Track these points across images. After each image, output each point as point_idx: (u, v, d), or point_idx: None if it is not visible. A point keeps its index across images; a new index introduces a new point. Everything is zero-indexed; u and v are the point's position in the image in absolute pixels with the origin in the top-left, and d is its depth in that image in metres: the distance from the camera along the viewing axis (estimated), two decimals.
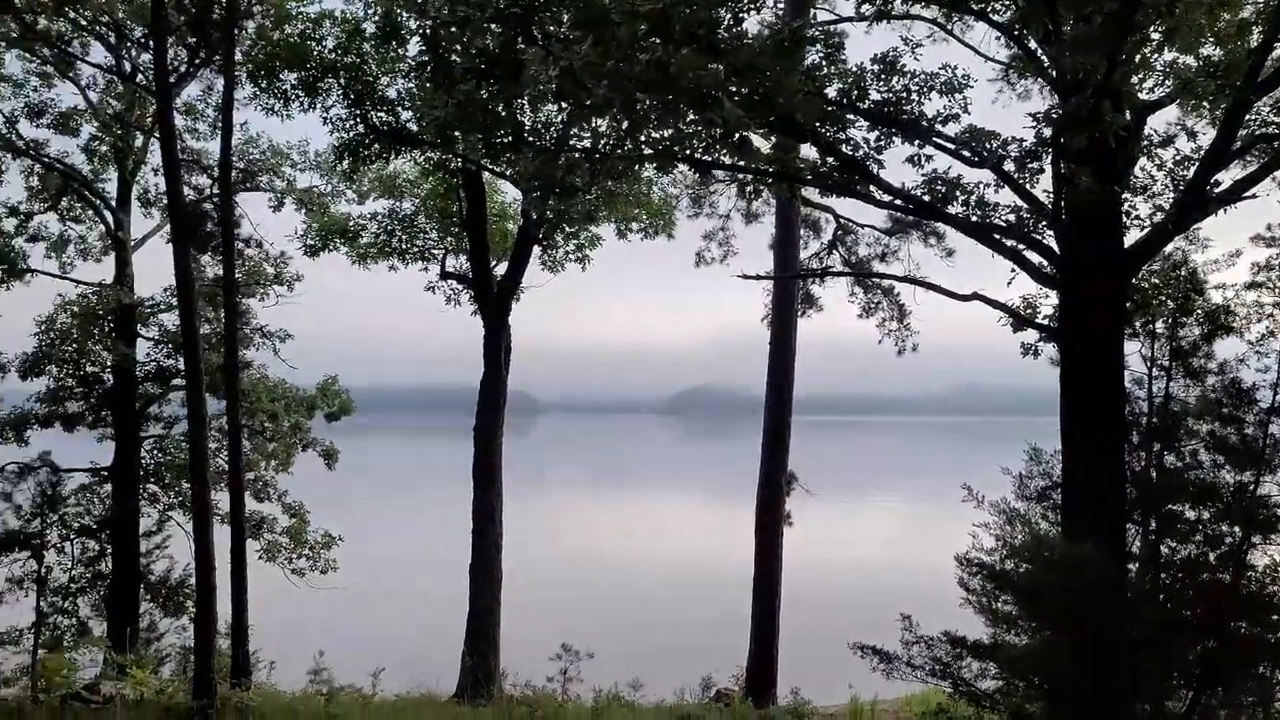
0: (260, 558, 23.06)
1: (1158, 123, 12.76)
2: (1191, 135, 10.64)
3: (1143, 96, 9.54)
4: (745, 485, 20.39)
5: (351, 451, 27.17)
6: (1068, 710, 8.19)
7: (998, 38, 11.00)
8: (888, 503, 76.90)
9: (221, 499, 21.48)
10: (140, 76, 21.80)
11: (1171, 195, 9.80)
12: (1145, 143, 9.86)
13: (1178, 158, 9.89)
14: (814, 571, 35.65)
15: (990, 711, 9.37)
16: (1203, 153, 9.53)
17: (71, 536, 23.10)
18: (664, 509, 73.86)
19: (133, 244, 24.02)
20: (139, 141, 23.83)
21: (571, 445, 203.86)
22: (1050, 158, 9.43)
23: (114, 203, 23.93)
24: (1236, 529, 9.33)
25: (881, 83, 9.29)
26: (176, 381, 23.09)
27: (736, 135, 8.10)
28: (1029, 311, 10.93)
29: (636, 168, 10.50)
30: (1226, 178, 9.87)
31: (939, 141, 9.41)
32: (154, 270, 24.21)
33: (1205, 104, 10.90)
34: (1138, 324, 10.29)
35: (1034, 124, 9.21)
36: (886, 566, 42.09)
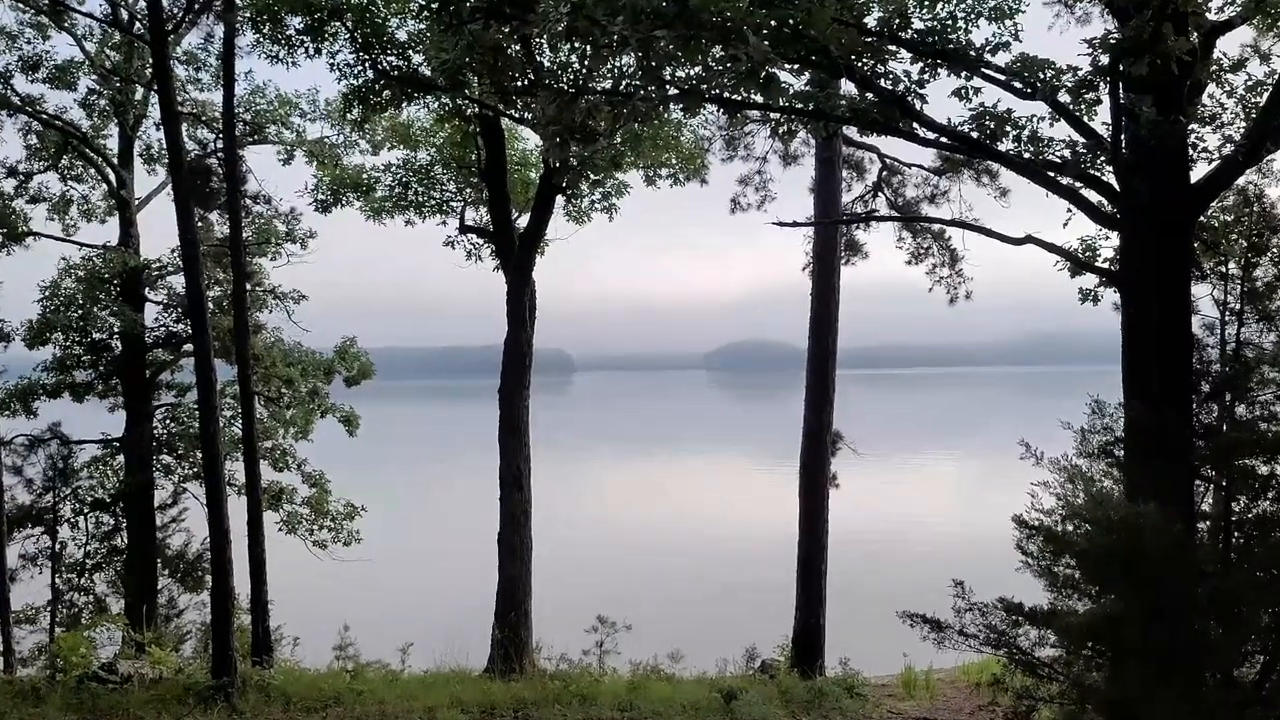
0: (280, 530, 23.42)
1: (1228, 45, 12.43)
2: (1265, 58, 10.35)
3: (1210, 17, 9.25)
4: (788, 445, 20.39)
5: (373, 417, 27.45)
6: (1130, 679, 8.14)
7: None
8: (941, 461, 76.77)
9: (237, 469, 21.82)
10: (138, 25, 21.83)
11: (1243, 125, 9.56)
12: (1213, 68, 9.60)
13: (1249, 83, 9.64)
14: (862, 536, 35.74)
15: (1048, 681, 9.34)
16: (1277, 77, 9.28)
17: (85, 511, 23.52)
18: (703, 470, 74.22)
19: (137, 203, 24.22)
20: (139, 95, 23.94)
21: (606, 404, 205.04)
22: (1109, 87, 9.20)
23: (116, 160, 24.10)
24: None
25: (925, 9, 9.09)
26: (187, 347, 23.36)
27: (764, 73, 7.94)
28: (1087, 255, 10.75)
29: (662, 109, 10.35)
30: None
31: (988, 73, 9.20)
32: (160, 230, 24.48)
33: None
34: (1206, 265, 10.08)
35: (1090, 50, 8.98)
36: (939, 530, 42.18)
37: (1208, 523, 9.59)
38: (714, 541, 41.86)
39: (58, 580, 22.79)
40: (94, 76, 23.52)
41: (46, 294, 23.18)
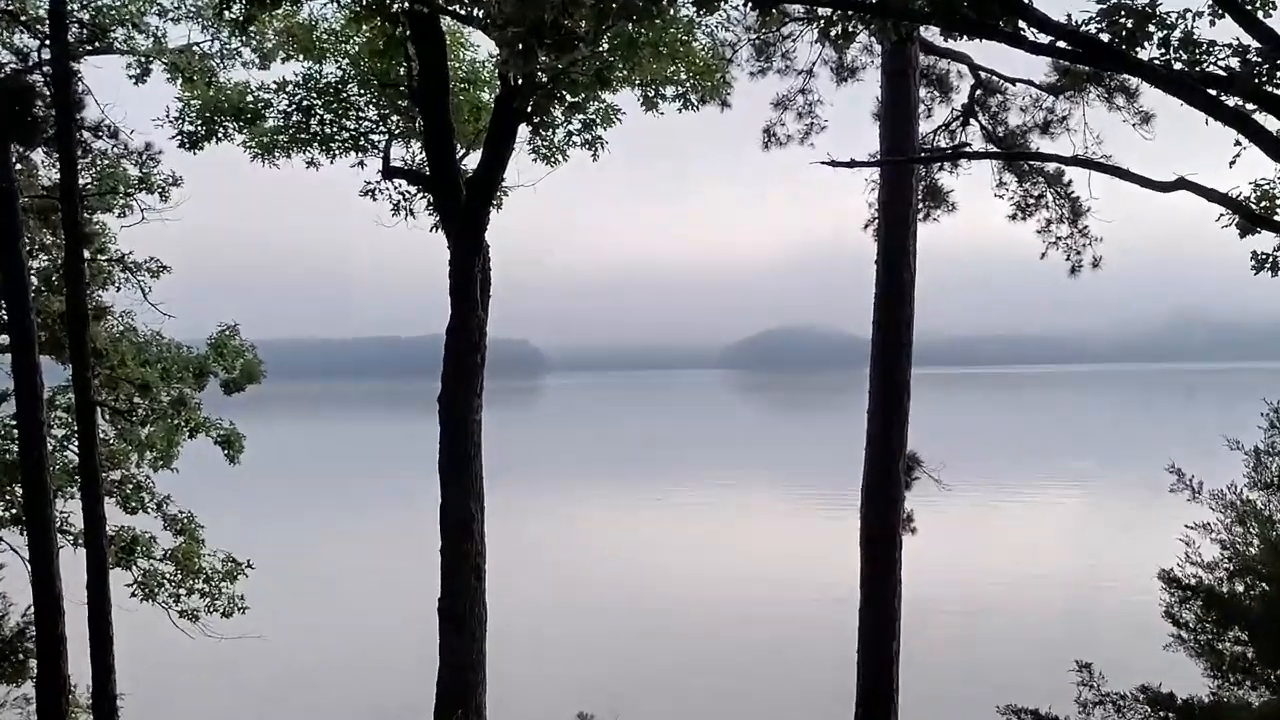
0: (135, 595, 23.27)
1: None
2: None
3: None
4: (843, 474, 20.33)
5: (264, 436, 27.36)
6: None
7: None
8: (1052, 495, 76.76)
9: (73, 510, 21.65)
10: None
11: None
12: None
13: None
14: (945, 596, 35.73)
15: None
16: None
17: None
18: (720, 509, 74.22)
19: None
20: None
21: (588, 417, 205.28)
22: None
23: None
24: None
25: None
26: (2, 340, 23.20)
27: None
28: (1264, 206, 10.66)
29: (665, 3, 10.23)
30: None
31: None
32: None
33: None
34: None
35: None
36: (1049, 588, 42.15)
37: None
38: (736, 607, 41.82)
39: None
40: None
41: None
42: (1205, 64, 9.62)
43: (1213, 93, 9.68)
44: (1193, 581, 9.42)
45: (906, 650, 19.27)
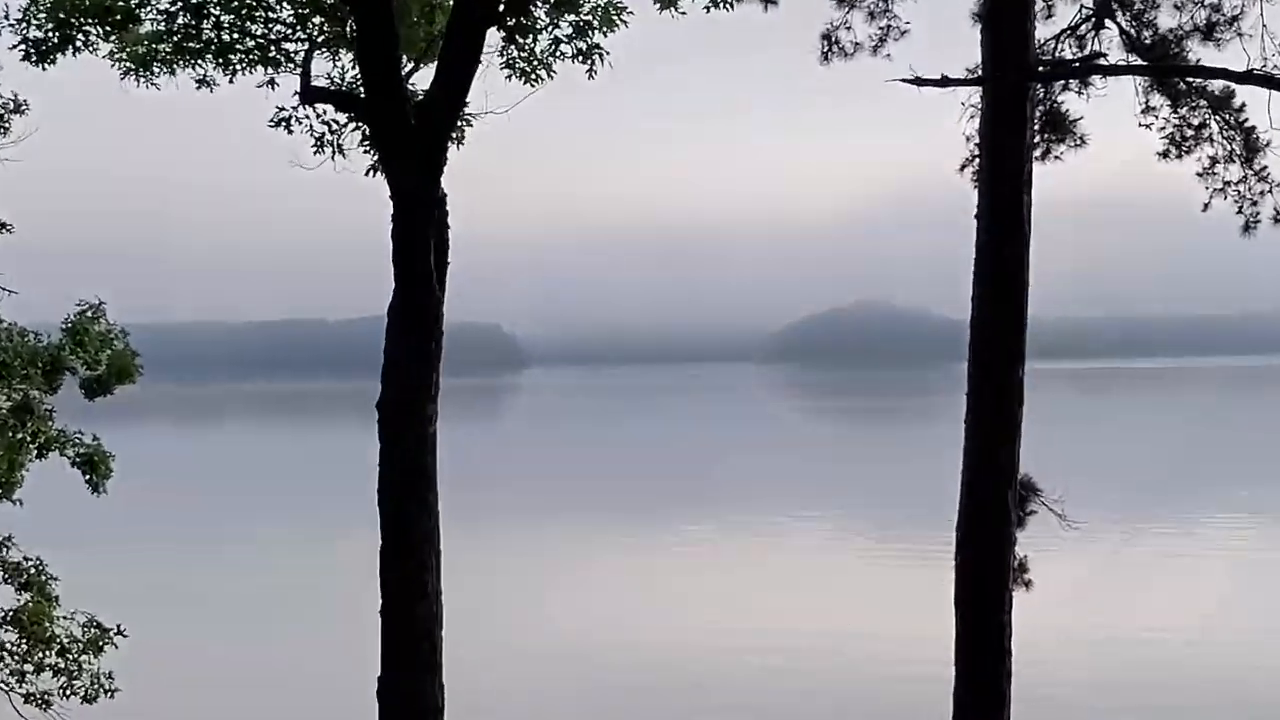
0: None
1: None
2: None
3: None
4: (933, 504, 20.29)
5: (142, 453, 27.37)
6: None
7: None
8: (1216, 534, 76.77)
9: None
10: None
11: None
12: None
13: None
14: (1066, 669, 35.74)
15: None
16: None
17: None
18: (753, 560, 74.15)
19: None
20: None
21: (578, 425, 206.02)
22: None
23: None
24: None
25: None
26: None
27: None
28: None
29: None
30: None
31: None
32: None
33: None
34: None
35: None
36: (1209, 659, 42.14)
37: None
38: (779, 692, 41.91)
39: None
40: None
41: None
42: None
43: None
44: None
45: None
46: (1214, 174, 19.36)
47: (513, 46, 20.26)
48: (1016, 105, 18.87)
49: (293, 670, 40.93)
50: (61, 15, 20.65)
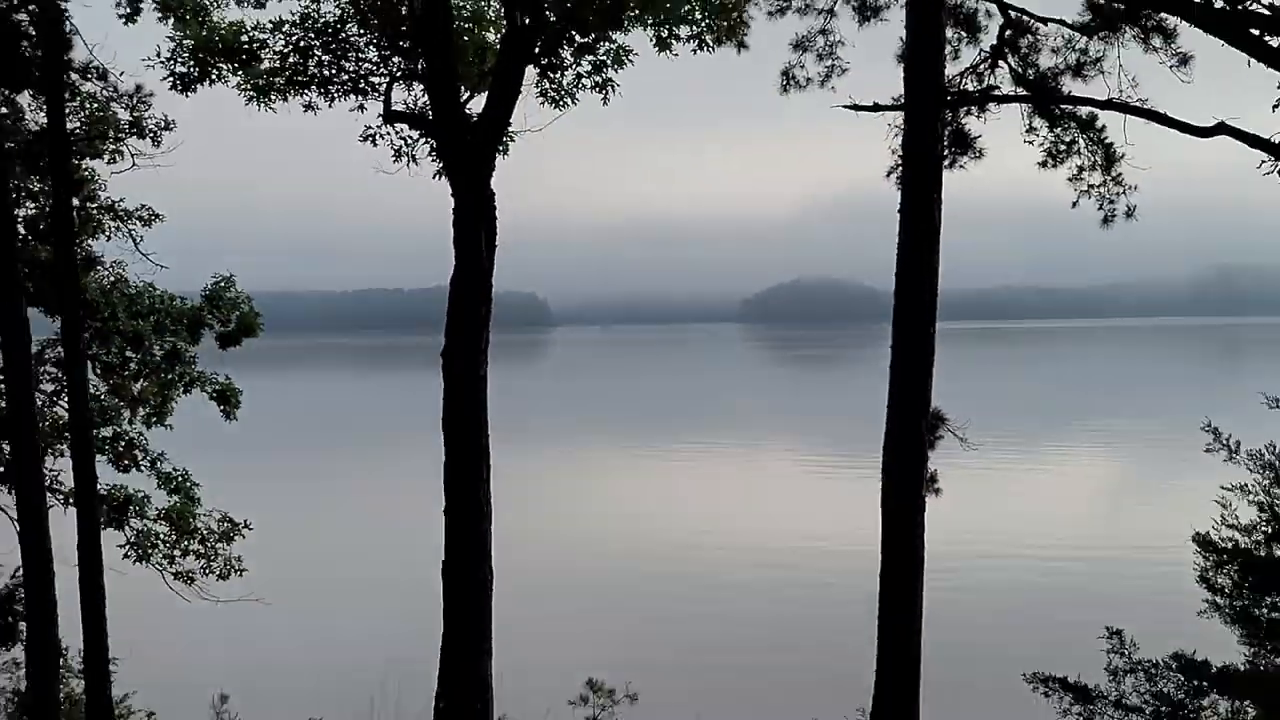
0: (128, 557, 23.41)
1: None
2: None
3: None
4: (864, 433, 20.31)
5: (263, 390, 27.44)
6: None
7: None
8: (1083, 454, 76.84)
9: (63, 468, 21.74)
10: None
11: None
12: None
13: None
14: (971, 561, 35.81)
15: None
16: None
17: None
18: (738, 466, 74.36)
19: None
20: None
21: (596, 371, 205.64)
22: None
23: None
24: None
25: None
26: None
27: None
28: None
29: None
30: None
31: None
32: None
33: None
34: None
35: None
36: (1079, 553, 42.21)
37: None
38: (751, 571, 41.95)
39: None
40: None
41: None
42: (1248, 2, 9.54)
43: (1256, 32, 9.62)
44: (1229, 545, 9.40)
45: (929, 615, 19.28)
46: (1080, 179, 19.35)
47: (545, 80, 20.25)
48: (930, 126, 18.89)
49: (375, 551, 41.02)
50: (200, 55, 20.66)
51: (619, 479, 71.95)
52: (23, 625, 18.59)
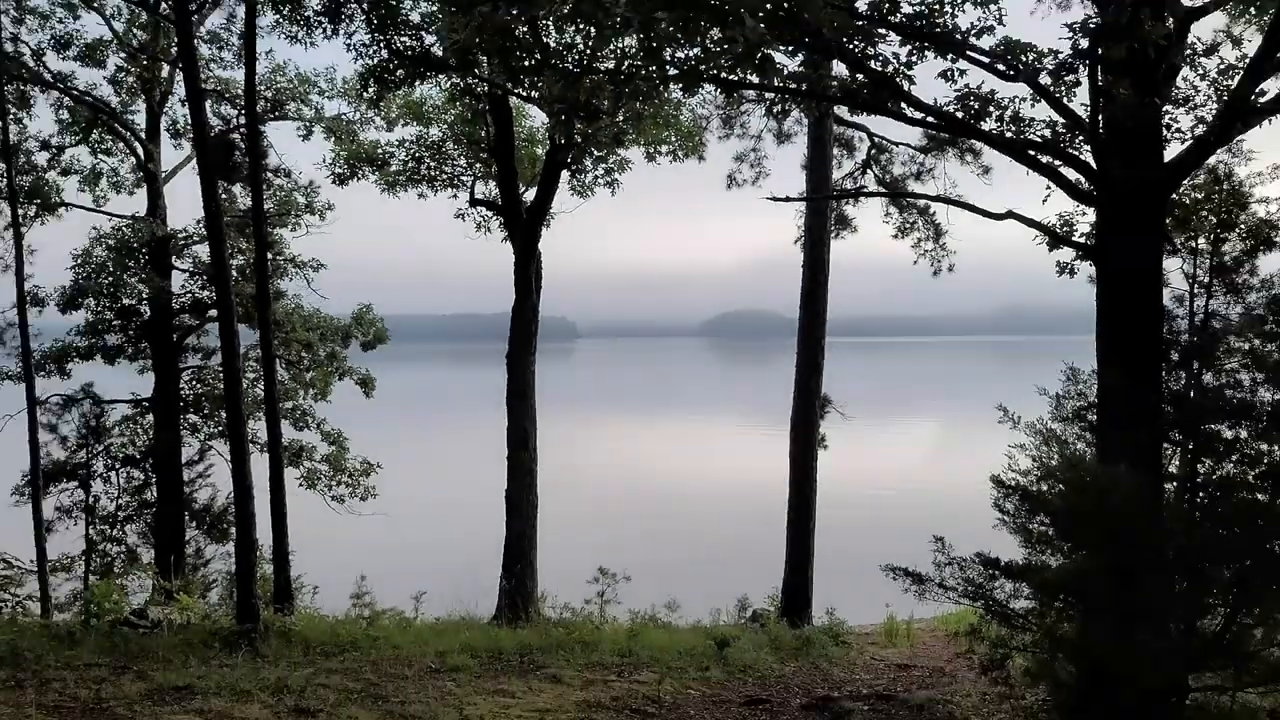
0: (301, 485, 23.53)
1: (1202, 30, 12.29)
2: (1237, 43, 10.25)
3: (1186, 3, 9.14)
4: (781, 408, 20.39)
5: (389, 379, 27.48)
6: (1100, 630, 8.19)
7: None
8: (925, 425, 76.94)
9: (259, 428, 21.85)
10: (163, 5, 21.64)
11: (1214, 106, 9.48)
12: (1188, 52, 9.50)
13: (1221, 67, 9.53)
14: (849, 495, 35.84)
15: (1022, 631, 9.38)
16: (1248, 61, 9.18)
17: (116, 466, 23.69)
18: (700, 431, 74.29)
19: (164, 176, 24.13)
20: (165, 72, 23.78)
21: (607, 368, 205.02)
22: (1088, 70, 9.12)
23: (144, 135, 23.98)
24: (1275, 448, 9.19)
25: None
26: (212, 313, 23.35)
27: (759, 54, 7.86)
28: (1065, 229, 10.67)
29: (662, 89, 10.27)
30: (1273, 87, 9.51)
31: (973, 55, 9.11)
32: (186, 202, 24.44)
33: (1252, 9, 10.48)
34: (1178, 240, 10.02)
35: (1071, 35, 8.89)
36: (922, 489, 42.23)
37: (1174, 484, 9.61)
38: (709, 499, 42.04)
39: (91, 531, 22.94)
40: (122, 55, 23.35)
41: (79, 262, 23.19)
42: (1027, 133, 9.66)
43: (1032, 153, 9.72)
44: (1013, 483, 9.50)
45: (820, 533, 19.39)
46: (919, 246, 19.52)
47: (574, 179, 20.35)
48: (822, 211, 19.00)
49: (462, 484, 41.00)
50: (351, 162, 20.75)
51: (623, 438, 71.92)
52: (232, 530, 18.75)
